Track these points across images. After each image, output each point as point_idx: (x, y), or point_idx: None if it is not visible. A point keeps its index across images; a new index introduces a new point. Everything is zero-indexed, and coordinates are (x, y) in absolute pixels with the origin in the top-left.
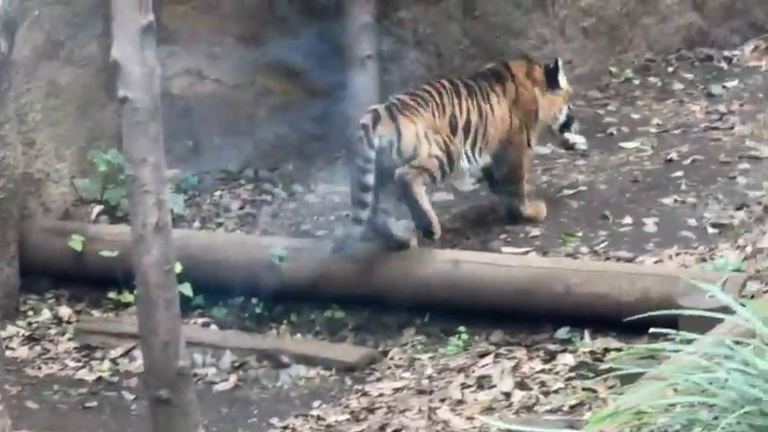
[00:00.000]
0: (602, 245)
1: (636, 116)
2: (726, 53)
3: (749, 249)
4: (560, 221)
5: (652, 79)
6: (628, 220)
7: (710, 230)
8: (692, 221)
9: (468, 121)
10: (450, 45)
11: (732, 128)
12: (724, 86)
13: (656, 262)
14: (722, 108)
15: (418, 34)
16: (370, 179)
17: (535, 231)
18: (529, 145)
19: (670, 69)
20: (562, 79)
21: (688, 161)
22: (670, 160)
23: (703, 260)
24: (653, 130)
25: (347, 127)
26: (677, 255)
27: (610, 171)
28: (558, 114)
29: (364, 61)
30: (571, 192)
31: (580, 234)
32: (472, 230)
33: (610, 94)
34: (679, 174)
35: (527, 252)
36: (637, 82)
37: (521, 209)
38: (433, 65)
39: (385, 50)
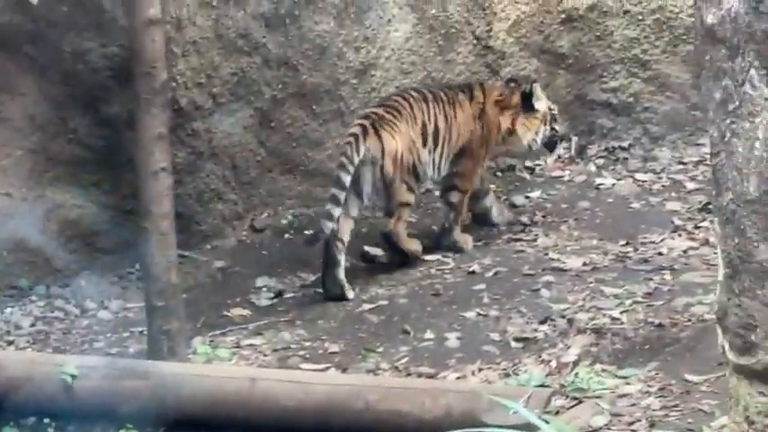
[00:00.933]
0: (404, 360)
1: (437, 227)
2: (528, 163)
3: (554, 364)
4: (360, 336)
5: None
6: (429, 334)
7: (514, 345)
8: (495, 335)
9: (436, 128)
10: (246, 156)
11: (535, 239)
12: (527, 197)
13: (458, 377)
14: (525, 219)
15: (213, 146)
16: (347, 179)
17: (334, 347)
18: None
19: None
20: (537, 102)
21: (491, 273)
22: (472, 272)
23: (507, 375)
24: None
25: (141, 241)
26: (480, 370)
27: (411, 284)
28: (535, 136)
29: (157, 173)
30: (371, 306)
31: (381, 349)
32: (270, 346)
33: None
34: (482, 287)
35: (326, 368)
36: (438, 193)
37: (453, 231)
38: (230, 176)
39: (179, 162)
